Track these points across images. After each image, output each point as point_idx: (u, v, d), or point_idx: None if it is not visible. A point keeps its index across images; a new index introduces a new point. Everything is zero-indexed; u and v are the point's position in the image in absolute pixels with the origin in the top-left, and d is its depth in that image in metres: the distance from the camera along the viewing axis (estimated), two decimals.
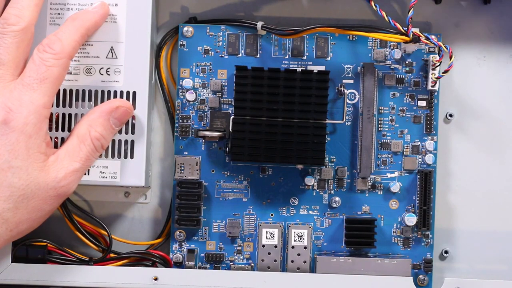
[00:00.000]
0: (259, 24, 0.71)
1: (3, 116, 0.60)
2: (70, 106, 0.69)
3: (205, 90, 0.72)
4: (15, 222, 0.62)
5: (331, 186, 0.73)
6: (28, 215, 0.62)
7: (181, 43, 0.72)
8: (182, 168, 0.71)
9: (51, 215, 0.65)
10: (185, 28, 0.72)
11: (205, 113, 0.72)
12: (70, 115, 0.69)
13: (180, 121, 0.72)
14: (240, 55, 0.73)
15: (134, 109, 0.69)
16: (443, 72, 0.69)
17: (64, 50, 0.63)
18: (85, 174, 0.68)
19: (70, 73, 0.69)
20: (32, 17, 0.63)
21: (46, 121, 0.63)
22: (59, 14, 0.69)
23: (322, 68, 0.72)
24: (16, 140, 0.61)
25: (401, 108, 0.73)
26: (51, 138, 0.68)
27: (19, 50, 0.63)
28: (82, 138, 0.65)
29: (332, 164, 0.73)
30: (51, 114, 0.68)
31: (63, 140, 0.68)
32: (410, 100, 0.73)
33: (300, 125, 0.69)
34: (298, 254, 0.72)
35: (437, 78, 0.71)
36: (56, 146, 0.68)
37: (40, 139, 0.62)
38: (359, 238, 0.71)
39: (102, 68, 0.69)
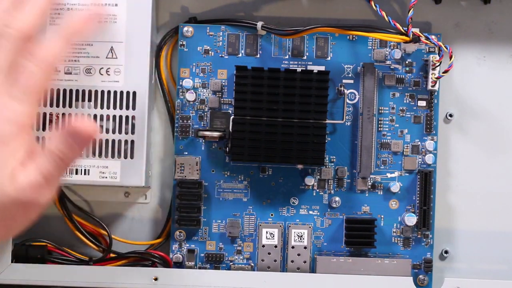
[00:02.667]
0: (259, 24, 0.71)
1: None
2: (70, 106, 0.69)
3: (205, 90, 0.72)
4: None
5: (331, 186, 0.73)
6: None
7: (181, 43, 0.72)
8: (182, 168, 0.71)
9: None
10: (185, 28, 0.72)
11: (205, 113, 0.72)
12: (70, 115, 0.69)
13: (180, 121, 0.72)
14: (240, 55, 0.73)
15: (134, 109, 0.69)
16: (443, 72, 0.69)
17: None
18: (85, 174, 0.68)
19: (70, 73, 0.69)
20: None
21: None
22: (59, 14, 0.69)
23: (322, 68, 0.72)
24: None
25: (401, 108, 0.73)
26: None
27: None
28: (47, 152, 0.59)
29: (332, 164, 0.73)
30: (51, 114, 0.68)
31: None
32: (410, 100, 0.73)
33: (300, 125, 0.69)
34: (298, 254, 0.72)
35: (437, 78, 0.71)
36: None
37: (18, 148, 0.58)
38: (359, 238, 0.71)
39: (102, 68, 0.69)
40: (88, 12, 0.62)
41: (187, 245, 0.72)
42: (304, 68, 0.72)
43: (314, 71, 0.69)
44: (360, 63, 0.72)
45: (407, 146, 0.73)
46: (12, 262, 0.69)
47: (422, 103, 0.73)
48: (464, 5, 0.74)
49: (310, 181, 0.72)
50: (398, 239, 0.73)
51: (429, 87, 0.72)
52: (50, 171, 0.60)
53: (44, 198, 0.59)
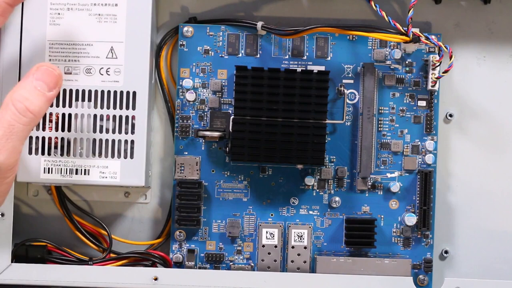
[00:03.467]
0: (259, 24, 0.71)
1: None
2: (70, 106, 0.69)
3: (205, 90, 0.72)
4: None
5: (331, 186, 0.73)
6: None
7: (181, 43, 0.72)
8: (182, 168, 0.71)
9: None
10: (185, 28, 0.72)
11: (205, 113, 0.72)
12: (70, 115, 0.69)
13: (180, 121, 0.72)
14: (240, 55, 0.73)
15: (134, 109, 0.69)
16: (443, 72, 0.69)
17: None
18: (85, 174, 0.68)
19: (70, 73, 0.69)
20: None
21: None
22: (59, 14, 0.69)
23: (322, 68, 0.72)
24: None
25: (401, 108, 0.73)
26: (51, 138, 0.68)
27: None
28: (4, 105, 0.59)
29: (332, 164, 0.72)
30: (51, 114, 0.68)
31: (63, 141, 0.68)
32: (410, 100, 0.73)
33: (300, 125, 0.69)
34: (298, 254, 0.72)
35: (437, 78, 0.71)
36: (56, 147, 0.68)
37: None
38: (359, 238, 0.71)
39: (102, 68, 0.69)
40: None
41: (187, 245, 0.72)
42: (304, 68, 0.72)
43: (314, 71, 0.69)
44: (360, 63, 0.72)
45: (407, 146, 0.73)
46: (12, 262, 0.69)
47: (422, 103, 0.73)
48: (464, 5, 0.74)
49: (310, 181, 0.72)
50: (398, 239, 0.73)
51: (429, 87, 0.72)
52: (9, 122, 0.56)
53: (6, 155, 0.56)
